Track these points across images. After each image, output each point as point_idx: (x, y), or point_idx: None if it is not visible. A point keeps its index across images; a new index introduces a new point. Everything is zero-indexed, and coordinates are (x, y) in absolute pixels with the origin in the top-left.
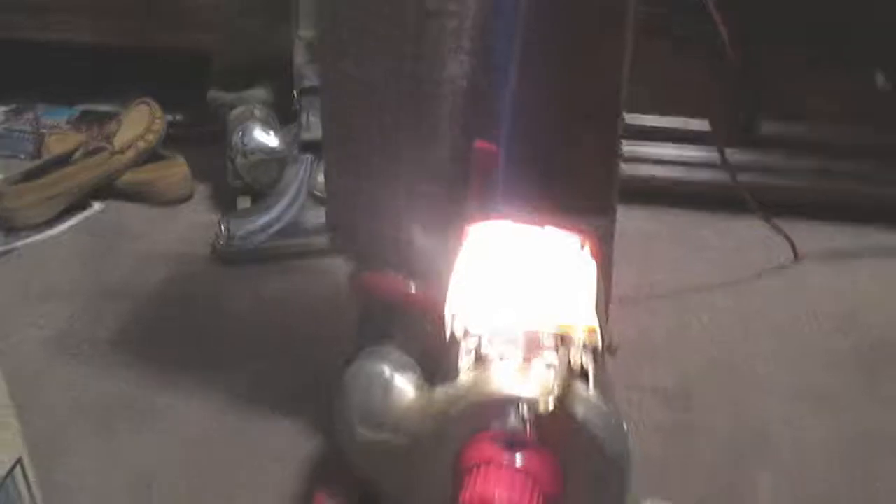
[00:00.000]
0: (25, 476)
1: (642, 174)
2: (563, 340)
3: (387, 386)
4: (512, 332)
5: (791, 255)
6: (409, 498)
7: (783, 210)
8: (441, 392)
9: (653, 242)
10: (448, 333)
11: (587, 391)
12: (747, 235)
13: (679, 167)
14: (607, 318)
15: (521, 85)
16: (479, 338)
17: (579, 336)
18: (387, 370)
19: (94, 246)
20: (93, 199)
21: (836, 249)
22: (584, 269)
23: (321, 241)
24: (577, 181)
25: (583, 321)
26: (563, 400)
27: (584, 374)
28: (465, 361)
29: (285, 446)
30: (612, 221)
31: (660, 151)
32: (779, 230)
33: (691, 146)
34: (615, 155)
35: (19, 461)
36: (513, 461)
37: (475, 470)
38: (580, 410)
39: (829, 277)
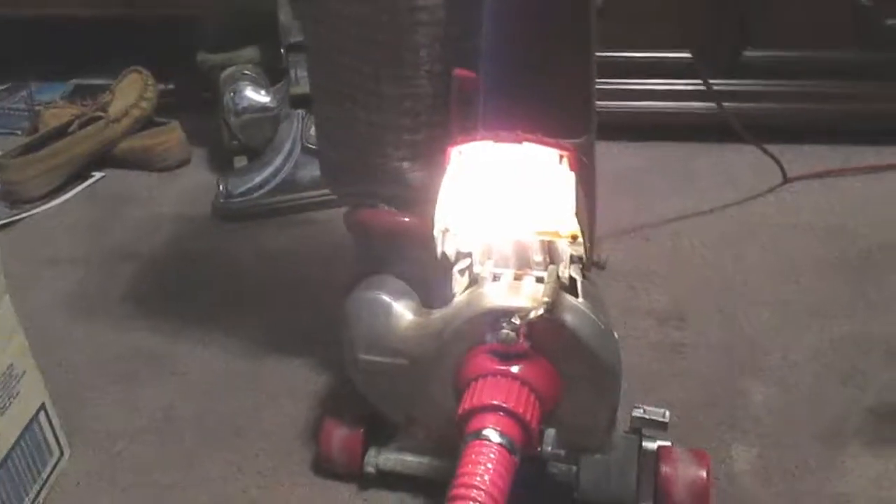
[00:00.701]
0: (50, 420)
1: (629, 109)
2: (551, 257)
3: (386, 312)
4: (501, 247)
5: (780, 177)
6: (413, 418)
7: (771, 135)
8: (437, 314)
9: (644, 176)
10: (439, 252)
11: (576, 301)
12: (737, 162)
13: (666, 100)
14: (594, 235)
15: (497, 12)
16: (471, 259)
17: (565, 247)
18: (385, 297)
19: (97, 213)
20: (93, 169)
21: (823, 169)
22: (563, 180)
23: (318, 194)
24: (554, 102)
25: (566, 227)
26: (553, 309)
27: (573, 287)
28: (458, 283)
29: (298, 383)
30: (591, 141)
31: (645, 86)
32: (767, 153)
33: (676, 78)
34: (590, 74)
35: (42, 406)
36: (508, 370)
37: (473, 383)
38: (569, 318)
39: (817, 196)
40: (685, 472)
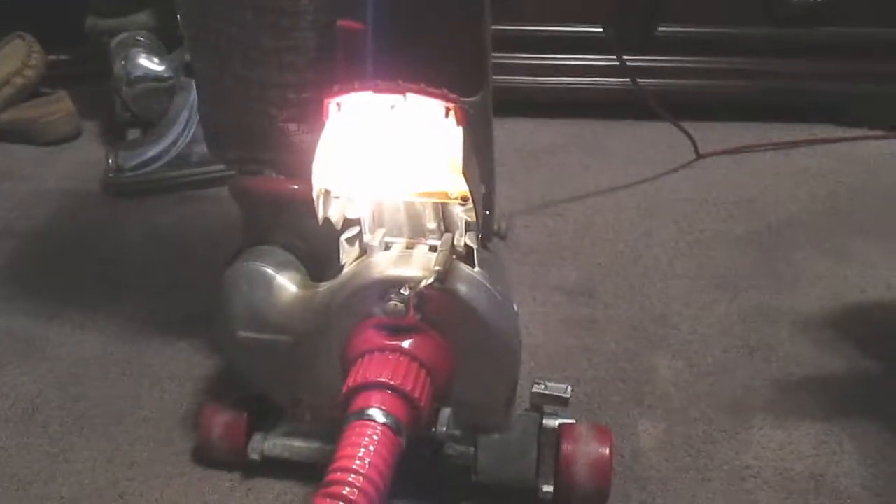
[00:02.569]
0: None
1: (542, 85)
2: (447, 224)
3: (268, 285)
4: (393, 214)
5: (693, 154)
6: (300, 399)
7: (684, 112)
8: (324, 287)
9: (558, 152)
10: (320, 217)
11: (471, 270)
12: (650, 139)
13: (578, 76)
14: (493, 202)
15: None
16: (360, 227)
17: (461, 214)
18: (268, 269)
19: None
20: None
21: (735, 145)
22: (449, 134)
23: (216, 169)
24: (445, 55)
25: (454, 187)
26: (445, 279)
27: (469, 256)
28: (347, 253)
29: (181, 366)
30: (487, 100)
31: (557, 61)
32: (681, 129)
33: (589, 54)
34: (484, 25)
35: None
36: (396, 345)
37: (359, 359)
38: (462, 288)
39: (728, 171)
40: (587, 449)
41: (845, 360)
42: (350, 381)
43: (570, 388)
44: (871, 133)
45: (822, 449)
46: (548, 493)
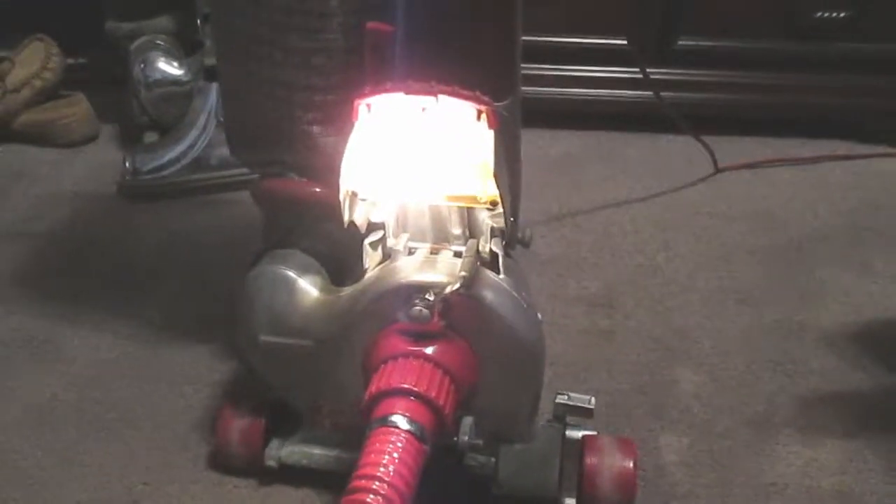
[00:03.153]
0: None
1: (563, 96)
2: (471, 230)
3: (291, 288)
4: (417, 218)
5: (711, 167)
6: (320, 405)
7: (703, 125)
8: (346, 291)
9: (578, 164)
10: (346, 220)
11: (496, 277)
12: (669, 152)
13: (599, 87)
14: (517, 209)
15: None
16: (384, 231)
17: (486, 220)
18: (290, 273)
19: None
20: None
21: (754, 160)
22: (480, 138)
23: (233, 174)
24: (476, 59)
25: (484, 191)
26: (470, 285)
27: (494, 263)
28: (370, 257)
29: (199, 370)
30: (516, 106)
31: (579, 72)
32: (701, 142)
33: (611, 66)
34: (516, 30)
35: None
36: (420, 351)
37: (382, 365)
38: (488, 295)
39: (747, 186)
40: (611, 462)
41: (869, 375)
42: (373, 388)
43: (593, 399)
44: (892, 150)
45: (848, 465)
46: None
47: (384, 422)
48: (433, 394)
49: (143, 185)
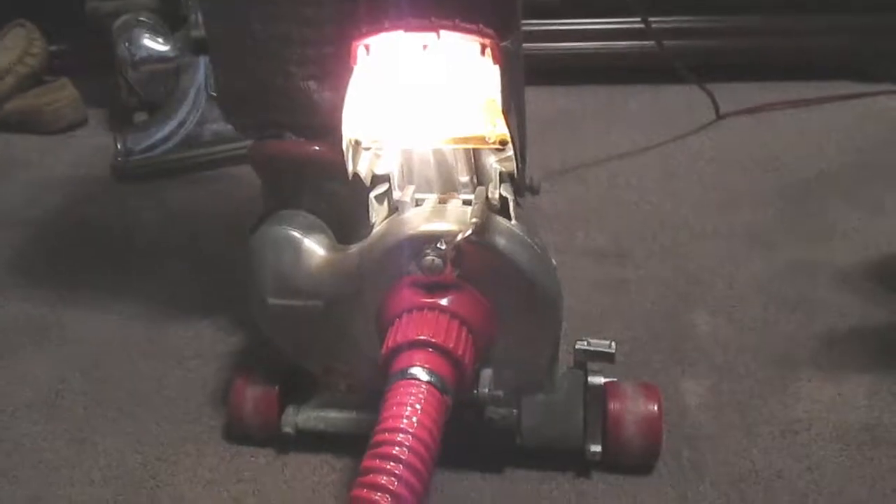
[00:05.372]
0: None
1: (557, 51)
2: (479, 178)
3: (296, 249)
4: (423, 168)
5: (714, 114)
6: (334, 368)
7: (702, 72)
8: (354, 248)
9: (577, 119)
10: (350, 172)
11: (508, 223)
12: (670, 102)
13: (595, 40)
14: (525, 151)
15: None
16: (390, 183)
17: (494, 165)
18: (295, 233)
19: None
20: None
21: (756, 104)
22: (486, 74)
23: (227, 148)
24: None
25: (493, 131)
26: (483, 232)
27: (504, 208)
28: (376, 211)
29: (205, 344)
30: (519, 45)
31: (574, 26)
32: (702, 89)
33: (605, 17)
34: None
35: None
36: (435, 303)
37: (396, 320)
38: (501, 241)
39: (751, 130)
40: (635, 407)
41: (887, 310)
42: (389, 342)
43: (614, 344)
44: (894, 88)
45: (874, 399)
46: (596, 453)
47: (403, 375)
48: (451, 345)
49: (136, 165)
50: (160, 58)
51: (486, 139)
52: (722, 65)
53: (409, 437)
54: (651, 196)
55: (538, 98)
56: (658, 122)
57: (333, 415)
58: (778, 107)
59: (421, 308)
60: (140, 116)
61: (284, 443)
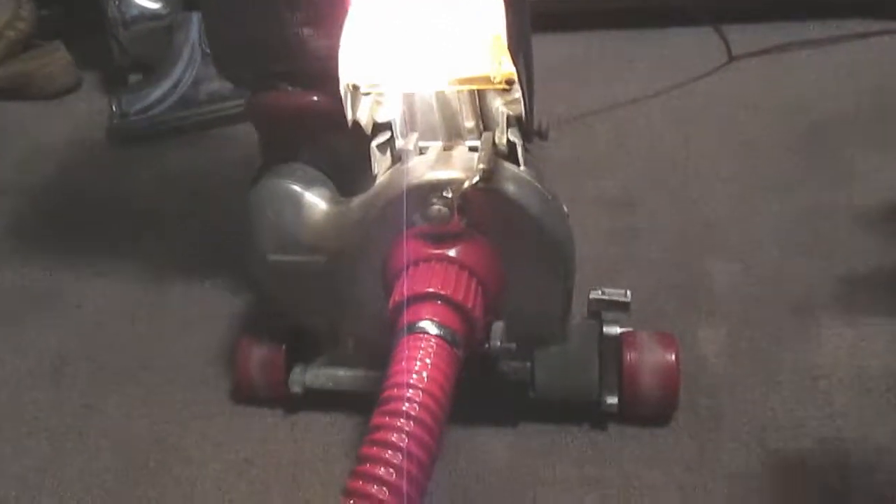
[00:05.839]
0: None
1: None
2: (485, 123)
3: (297, 203)
4: (426, 114)
5: (725, 57)
6: (340, 325)
7: (715, 14)
8: (357, 200)
9: (583, 65)
10: (349, 119)
11: (517, 169)
12: (677, 46)
13: None
14: (532, 94)
15: None
16: (392, 131)
17: (501, 109)
18: (295, 186)
19: None
20: None
21: (769, 46)
22: (491, 8)
23: (225, 107)
24: None
25: (499, 68)
26: (490, 178)
27: (512, 154)
28: (379, 162)
29: (210, 306)
30: None
31: None
32: (715, 30)
33: None
34: None
35: None
36: (443, 254)
37: (403, 272)
38: (510, 187)
39: (764, 72)
40: (652, 357)
41: None
42: (396, 296)
43: (629, 293)
44: None
45: None
46: (612, 405)
47: (412, 329)
48: (461, 297)
49: (133, 127)
50: (152, 16)
51: (492, 79)
52: (733, 5)
53: (420, 392)
54: (662, 142)
55: (542, 45)
56: (667, 67)
57: (342, 373)
58: (792, 48)
59: (428, 259)
60: (135, 77)
61: (293, 402)
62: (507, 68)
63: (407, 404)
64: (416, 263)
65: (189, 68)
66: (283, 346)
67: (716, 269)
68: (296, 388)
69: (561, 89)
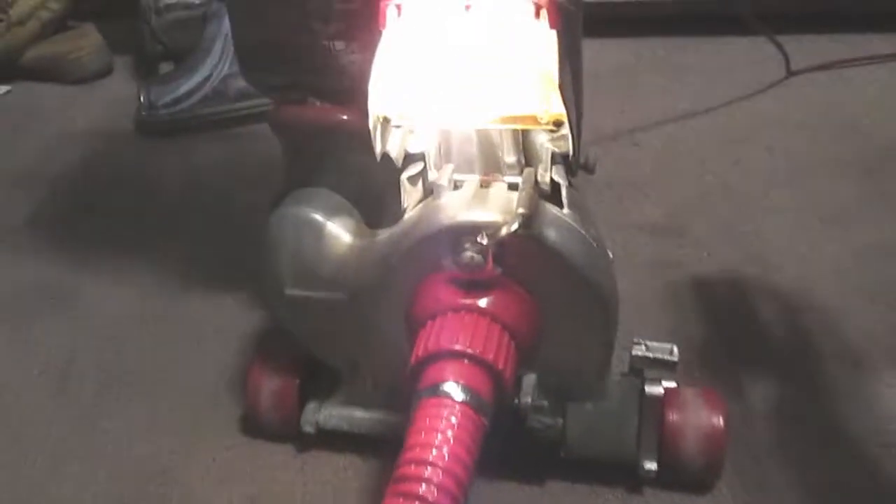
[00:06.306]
0: None
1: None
2: (527, 157)
3: (318, 234)
4: (462, 146)
5: (783, 71)
6: (356, 363)
7: (773, 23)
8: (383, 235)
9: (632, 75)
10: (378, 152)
11: (560, 212)
12: (732, 57)
13: None
14: (581, 126)
15: None
16: (424, 162)
17: (545, 143)
18: (317, 215)
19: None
20: None
21: (829, 60)
22: (541, 41)
23: (255, 104)
24: None
25: (547, 109)
26: (530, 223)
27: (555, 195)
28: (408, 194)
29: (226, 322)
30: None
31: None
32: (773, 42)
33: None
34: None
35: None
36: (474, 304)
37: (429, 322)
38: (552, 234)
39: (825, 89)
40: (697, 419)
41: None
42: (419, 350)
43: (676, 349)
44: None
45: None
46: (650, 470)
47: (435, 391)
48: (490, 356)
49: (161, 121)
50: (186, 4)
51: (539, 120)
52: (794, 15)
53: (440, 471)
54: (713, 165)
55: (590, 51)
56: (721, 79)
57: (357, 414)
58: (856, 62)
59: (457, 310)
60: (165, 67)
61: (305, 441)
62: (556, 109)
63: (424, 486)
64: (443, 313)
65: (221, 62)
66: (297, 381)
67: (766, 312)
68: (308, 428)
69: (609, 101)
